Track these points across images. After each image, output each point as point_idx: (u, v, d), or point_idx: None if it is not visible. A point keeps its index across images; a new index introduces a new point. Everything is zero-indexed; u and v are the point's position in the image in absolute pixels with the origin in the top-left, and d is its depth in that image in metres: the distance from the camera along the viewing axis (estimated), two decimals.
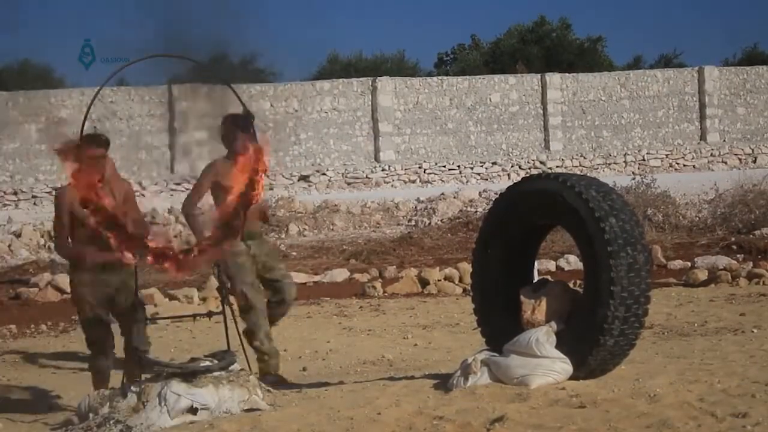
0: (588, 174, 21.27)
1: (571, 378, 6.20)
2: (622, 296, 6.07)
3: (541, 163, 30.93)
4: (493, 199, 7.64)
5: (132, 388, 6.28)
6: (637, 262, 6.10)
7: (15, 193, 26.60)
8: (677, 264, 13.46)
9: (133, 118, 27.55)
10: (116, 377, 6.90)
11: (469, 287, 8.73)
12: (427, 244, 16.06)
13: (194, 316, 8.11)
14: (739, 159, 33.10)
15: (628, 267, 6.08)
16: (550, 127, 31.38)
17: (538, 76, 32.11)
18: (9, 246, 18.52)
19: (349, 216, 20.73)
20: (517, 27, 44.66)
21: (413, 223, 20.13)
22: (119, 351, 7.11)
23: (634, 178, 18.65)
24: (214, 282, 11.49)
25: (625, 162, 31.88)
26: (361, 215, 20.94)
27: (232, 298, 7.54)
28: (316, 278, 13.75)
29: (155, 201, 24.70)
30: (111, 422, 6.10)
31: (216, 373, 6.32)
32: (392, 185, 29.08)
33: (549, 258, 13.92)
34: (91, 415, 6.32)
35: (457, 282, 12.64)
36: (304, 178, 28.42)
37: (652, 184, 17.78)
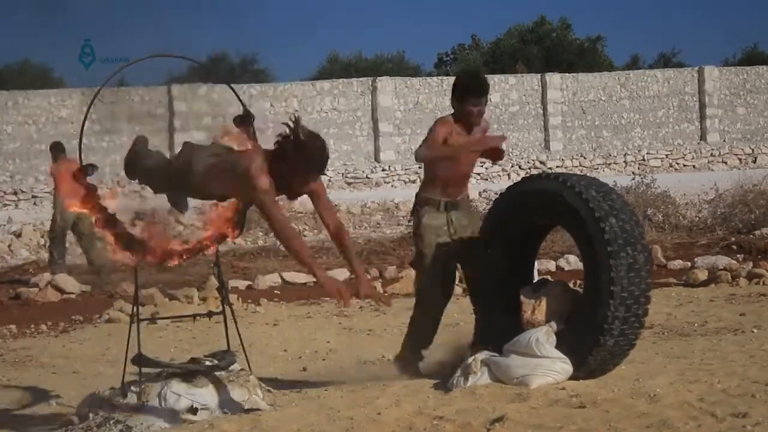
0: (588, 174, 21.27)
1: (571, 378, 6.21)
2: (622, 296, 6.07)
3: (541, 163, 30.92)
4: (493, 199, 7.64)
5: (132, 388, 6.28)
6: (637, 262, 6.10)
7: (15, 193, 26.59)
8: (677, 264, 13.46)
9: (133, 118, 27.54)
10: (116, 377, 6.89)
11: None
12: None
13: (194, 316, 8.11)
14: (739, 159, 33.10)
15: (628, 267, 6.08)
16: (550, 127, 31.37)
17: (538, 76, 32.11)
18: (9, 246, 18.53)
19: (349, 216, 20.73)
20: (517, 27, 44.68)
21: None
22: (120, 353, 7.10)
23: (634, 178, 18.66)
24: (213, 282, 11.49)
25: (625, 162, 31.88)
26: (361, 215, 20.94)
27: (232, 298, 7.53)
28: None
29: (155, 201, 24.71)
30: (111, 422, 6.10)
31: (216, 373, 6.32)
32: (392, 185, 29.08)
33: (549, 258, 13.92)
34: (91, 415, 6.32)
35: (457, 282, 12.63)
36: None
37: (652, 184, 17.78)
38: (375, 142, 29.68)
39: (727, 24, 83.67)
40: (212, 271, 8.74)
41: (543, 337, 6.27)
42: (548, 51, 42.79)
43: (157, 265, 6.66)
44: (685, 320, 9.61)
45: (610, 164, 31.70)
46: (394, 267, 14.11)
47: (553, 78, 31.78)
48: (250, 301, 11.82)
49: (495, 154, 7.15)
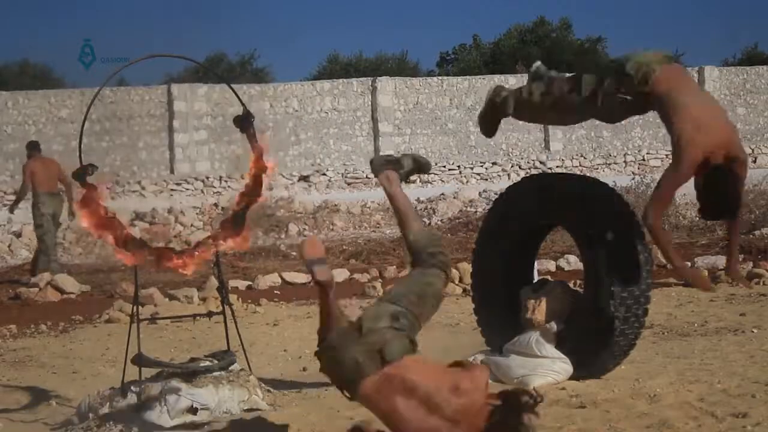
0: (588, 174, 21.27)
1: (571, 378, 6.21)
2: (622, 296, 6.07)
3: (541, 163, 30.92)
4: (493, 199, 7.64)
5: (132, 388, 6.28)
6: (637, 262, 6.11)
7: (15, 193, 26.58)
8: None
9: (133, 118, 27.55)
10: (116, 377, 6.90)
11: (469, 287, 8.73)
12: None
13: (194, 316, 8.10)
14: None
15: (629, 267, 6.09)
16: (550, 127, 31.37)
17: None
18: (9, 246, 18.54)
19: (349, 216, 20.73)
20: (517, 27, 44.68)
21: None
22: (120, 353, 7.11)
23: (633, 178, 18.67)
24: (214, 282, 11.49)
25: (625, 162, 31.88)
26: (361, 215, 20.94)
27: (232, 298, 7.53)
28: None
29: (155, 201, 24.71)
30: (111, 422, 6.10)
31: (216, 373, 6.32)
32: None
33: (549, 258, 13.92)
34: (91, 415, 6.32)
35: (457, 282, 12.63)
36: (304, 178, 28.42)
37: (652, 184, 17.76)
38: (375, 142, 29.68)
39: (727, 24, 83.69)
40: (212, 271, 8.74)
41: (543, 337, 6.28)
42: (548, 51, 42.79)
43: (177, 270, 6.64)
44: (685, 320, 9.61)
45: (610, 164, 31.70)
46: (394, 267, 14.11)
47: None
48: (250, 301, 11.82)
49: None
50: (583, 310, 6.26)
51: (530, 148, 31.27)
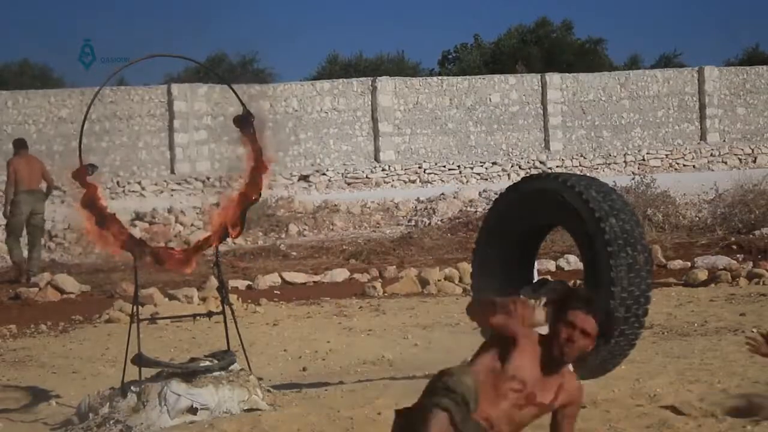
0: (588, 174, 21.26)
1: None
2: (622, 296, 6.07)
3: (541, 163, 30.91)
4: (493, 199, 7.64)
5: (132, 388, 6.28)
6: (637, 262, 6.10)
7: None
8: (677, 264, 13.45)
9: (133, 118, 27.54)
10: (116, 377, 6.90)
11: (469, 287, 8.73)
12: (427, 244, 16.07)
13: (194, 316, 8.11)
14: (739, 159, 33.09)
15: (628, 267, 6.08)
16: (550, 127, 31.36)
17: (538, 76, 32.10)
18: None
19: (349, 216, 20.72)
20: (517, 28, 44.68)
21: (413, 223, 20.12)
22: (120, 353, 7.10)
23: (633, 178, 18.65)
24: (214, 282, 11.49)
25: (625, 162, 31.87)
26: (361, 215, 20.93)
27: (232, 298, 7.52)
28: (316, 278, 13.74)
29: (155, 201, 24.70)
30: (111, 422, 6.10)
31: (216, 373, 6.32)
32: (392, 185, 29.07)
33: (549, 258, 13.92)
34: (91, 415, 6.32)
35: (457, 282, 12.64)
36: (303, 178, 28.41)
37: (651, 184, 17.77)
38: (375, 142, 29.67)
39: (727, 24, 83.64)
40: (212, 271, 8.74)
41: None
42: (548, 51, 42.78)
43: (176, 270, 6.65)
44: (685, 320, 9.61)
45: (610, 164, 31.69)
46: (394, 267, 14.11)
47: (553, 78, 31.78)
48: (250, 301, 11.82)
49: None
50: None
51: (530, 148, 31.26)
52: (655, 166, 31.64)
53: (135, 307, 6.69)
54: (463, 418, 4.04)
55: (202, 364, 6.38)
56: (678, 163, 32.53)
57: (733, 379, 6.36)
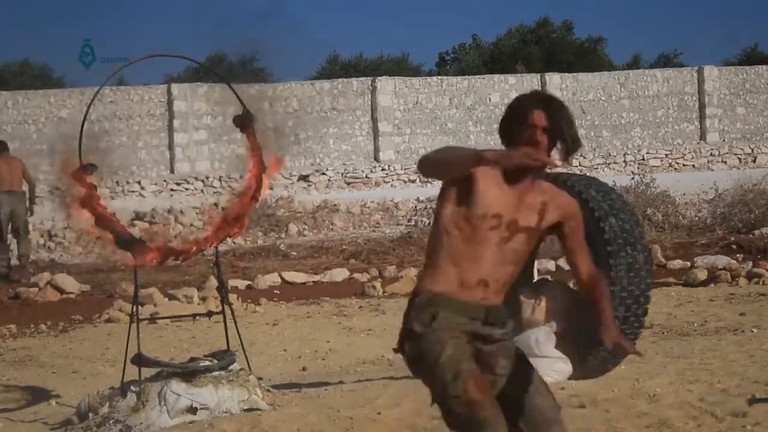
0: (588, 174, 21.25)
1: (571, 378, 6.21)
2: (621, 296, 6.08)
3: None
4: None
5: (132, 387, 6.29)
6: (636, 262, 6.11)
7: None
8: (677, 264, 13.45)
9: (132, 118, 27.54)
10: (116, 377, 6.90)
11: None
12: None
13: (194, 316, 8.11)
14: (739, 159, 33.09)
15: (628, 267, 6.09)
16: None
17: (538, 76, 32.11)
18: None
19: (349, 216, 20.72)
20: (517, 28, 44.70)
21: (413, 223, 20.13)
22: (120, 353, 7.10)
23: (633, 178, 18.65)
24: (213, 282, 11.49)
25: (624, 162, 31.87)
26: (360, 215, 20.93)
27: (232, 298, 7.52)
28: (316, 278, 13.74)
29: (155, 201, 24.70)
30: (111, 422, 6.10)
31: (216, 373, 6.32)
32: (392, 185, 29.07)
33: (549, 258, 13.92)
34: (91, 415, 6.32)
35: None
36: (303, 178, 28.41)
37: (651, 184, 17.76)
38: (375, 141, 29.67)
39: (727, 24, 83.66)
40: (212, 271, 8.74)
41: (543, 337, 6.28)
42: (548, 51, 42.79)
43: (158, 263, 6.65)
44: (685, 320, 9.61)
45: (609, 164, 31.69)
46: (394, 267, 14.11)
47: (553, 78, 31.78)
48: (250, 301, 11.82)
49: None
50: (583, 310, 6.25)
51: None
52: (654, 166, 31.64)
53: (135, 307, 6.69)
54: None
55: (201, 364, 6.38)
56: (678, 163, 32.53)
57: (733, 379, 6.36)
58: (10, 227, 14.74)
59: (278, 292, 12.82)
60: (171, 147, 27.66)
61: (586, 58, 42.95)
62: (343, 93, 29.54)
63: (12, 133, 26.25)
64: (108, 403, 6.29)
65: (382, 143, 29.62)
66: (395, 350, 3.84)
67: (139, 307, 6.94)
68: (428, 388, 3.74)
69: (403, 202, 21.98)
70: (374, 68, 40.30)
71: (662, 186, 17.92)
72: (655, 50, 64.81)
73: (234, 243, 16.12)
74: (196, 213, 20.58)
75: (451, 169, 3.78)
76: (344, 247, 16.48)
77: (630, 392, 5.97)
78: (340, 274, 13.88)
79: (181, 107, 27.77)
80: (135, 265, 6.69)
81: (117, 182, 26.56)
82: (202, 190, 27.07)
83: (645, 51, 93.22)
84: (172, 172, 27.62)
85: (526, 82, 31.55)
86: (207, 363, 6.40)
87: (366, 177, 29.09)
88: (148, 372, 6.48)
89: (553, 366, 6.18)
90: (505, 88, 31.20)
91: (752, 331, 8.67)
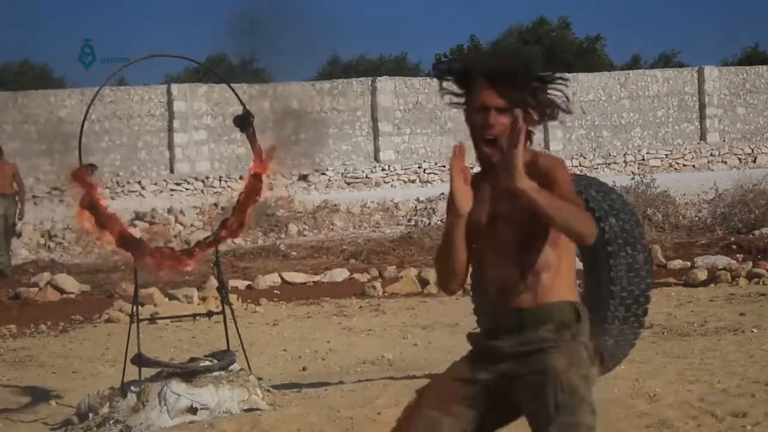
0: (588, 174, 21.25)
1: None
2: (621, 296, 6.08)
3: None
4: None
5: (132, 388, 6.28)
6: (636, 262, 6.11)
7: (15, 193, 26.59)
8: (677, 264, 13.44)
9: (133, 118, 27.55)
10: (116, 377, 6.90)
11: (469, 287, 8.72)
12: (427, 244, 16.05)
13: (194, 316, 8.11)
14: (739, 159, 33.10)
15: (628, 267, 6.09)
16: (550, 127, 31.36)
17: None
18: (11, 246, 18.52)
19: (349, 216, 20.73)
20: (517, 28, 44.76)
21: (413, 223, 20.13)
22: (120, 353, 7.10)
23: (633, 178, 18.65)
24: (214, 282, 11.48)
25: (624, 162, 31.88)
26: (360, 215, 20.94)
27: (232, 298, 7.52)
28: (316, 278, 13.74)
29: (155, 201, 24.70)
30: (111, 422, 6.10)
31: (216, 373, 6.32)
32: (392, 185, 29.08)
33: None
34: (91, 415, 6.32)
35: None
36: (303, 178, 28.42)
37: (651, 184, 17.76)
38: (375, 141, 29.68)
39: (727, 24, 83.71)
40: (212, 271, 8.74)
41: None
42: (548, 51, 42.81)
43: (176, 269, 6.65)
44: (685, 320, 9.61)
45: (609, 164, 31.70)
46: (394, 267, 14.10)
47: None
48: (250, 301, 11.82)
49: None
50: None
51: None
52: (654, 166, 31.65)
53: (135, 307, 6.69)
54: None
55: (202, 364, 6.38)
56: (678, 163, 32.54)
57: (733, 379, 6.36)
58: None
59: (278, 292, 12.82)
60: (171, 147, 27.67)
61: (585, 57, 42.98)
62: (344, 93, 29.55)
63: (12, 133, 26.27)
64: (108, 403, 6.29)
65: (382, 143, 29.62)
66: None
67: (139, 307, 6.94)
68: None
69: (403, 202, 21.98)
70: (374, 69, 40.33)
71: (662, 186, 17.91)
72: (655, 50, 64.85)
73: (234, 243, 16.11)
74: (196, 213, 20.59)
75: (450, 252, 3.39)
76: (344, 247, 16.48)
77: (630, 392, 5.97)
78: (340, 274, 13.87)
79: (181, 107, 27.78)
80: (136, 266, 6.70)
81: (117, 182, 26.56)
82: (202, 190, 27.07)
83: (645, 51, 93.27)
84: (172, 172, 27.62)
85: None
86: (207, 363, 6.40)
87: (366, 177, 29.10)
88: (148, 372, 6.48)
89: None
90: None
91: (752, 331, 8.67)
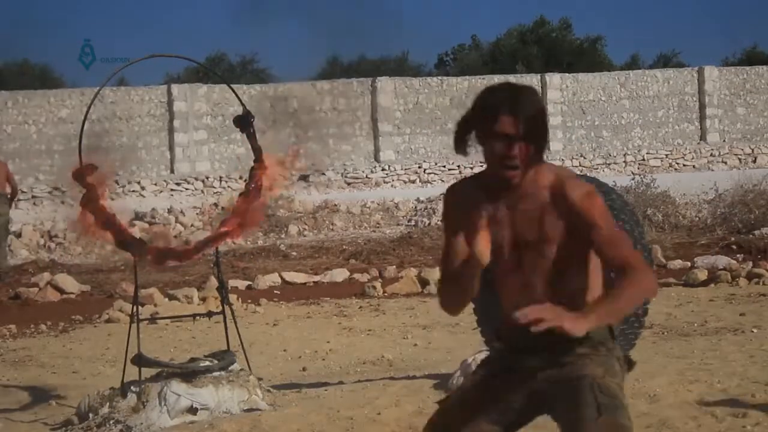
0: (588, 174, 21.25)
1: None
2: None
3: None
4: None
5: (132, 388, 6.29)
6: None
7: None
8: (677, 264, 13.45)
9: (133, 118, 27.55)
10: (116, 377, 6.90)
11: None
12: (427, 244, 16.05)
13: (194, 316, 8.11)
14: (739, 159, 33.10)
15: None
16: (550, 127, 31.16)
17: (538, 76, 32.12)
18: (9, 246, 18.52)
19: (349, 216, 20.73)
20: (517, 28, 44.74)
21: (413, 223, 20.13)
22: (120, 353, 7.10)
23: (633, 178, 18.65)
24: (214, 282, 11.49)
25: (625, 162, 31.87)
26: (360, 215, 20.94)
27: (232, 298, 7.52)
28: (316, 278, 13.74)
29: (155, 201, 24.71)
30: (111, 422, 6.11)
31: (216, 373, 6.32)
32: (392, 185, 29.08)
33: None
34: (91, 415, 6.32)
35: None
36: (303, 178, 28.42)
37: (651, 184, 17.76)
38: (375, 142, 29.67)
39: (727, 24, 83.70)
40: (212, 271, 8.75)
41: None
42: (548, 51, 42.81)
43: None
44: (685, 320, 9.61)
45: (609, 164, 31.69)
46: (394, 267, 14.10)
47: (553, 78, 31.79)
48: (250, 301, 11.82)
49: None
50: None
51: None
52: (655, 166, 31.64)
53: (135, 307, 6.70)
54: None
55: (202, 364, 6.38)
56: (678, 163, 32.54)
57: (733, 379, 6.36)
58: None
59: (278, 292, 12.82)
60: (171, 147, 27.67)
61: (585, 57, 42.98)
62: (344, 93, 29.55)
63: (12, 133, 26.28)
64: (108, 404, 6.29)
65: (382, 143, 29.63)
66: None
67: (139, 307, 6.94)
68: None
69: (403, 202, 21.98)
70: (374, 69, 40.33)
71: (662, 186, 17.92)
72: (655, 50, 64.83)
73: (234, 243, 16.11)
74: (196, 213, 20.59)
75: (463, 297, 3.41)
76: (344, 247, 16.48)
77: (630, 392, 5.96)
78: (340, 274, 13.87)
79: (181, 107, 27.78)
80: (136, 264, 6.70)
81: (117, 182, 26.55)
82: (202, 190, 27.07)
83: (644, 51, 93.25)
84: (172, 172, 27.62)
85: (526, 83, 31.55)
86: (207, 363, 6.40)
87: (366, 177, 29.10)
88: (148, 372, 6.48)
89: None
90: None
91: (752, 332, 8.67)
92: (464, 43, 46.93)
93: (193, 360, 6.58)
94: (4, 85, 31.79)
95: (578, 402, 3.20)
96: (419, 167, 29.74)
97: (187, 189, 27.18)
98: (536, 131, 3.27)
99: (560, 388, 3.25)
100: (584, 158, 31.57)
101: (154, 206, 22.00)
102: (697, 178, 23.31)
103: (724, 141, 33.34)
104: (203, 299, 11.68)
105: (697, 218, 17.12)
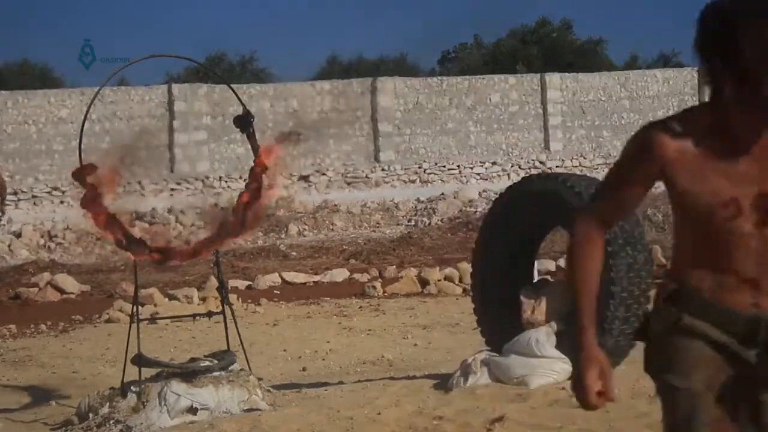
0: (588, 174, 21.25)
1: (571, 378, 6.20)
2: (622, 296, 6.08)
3: (540, 163, 30.91)
4: (493, 199, 7.64)
5: (132, 388, 6.29)
6: (637, 262, 6.11)
7: (15, 193, 26.58)
8: None
9: (133, 118, 27.54)
10: (116, 377, 6.90)
11: (469, 287, 8.74)
12: (427, 244, 16.06)
13: (194, 316, 8.11)
14: None
15: (628, 267, 6.09)
16: (550, 127, 31.36)
17: (538, 76, 32.11)
18: (9, 246, 18.53)
19: (349, 216, 20.73)
20: (519, 28, 44.76)
21: (413, 223, 20.13)
22: (120, 353, 7.10)
23: None
24: (214, 282, 11.49)
25: None
26: (360, 215, 20.94)
27: (232, 298, 7.52)
28: (316, 278, 13.74)
29: (155, 201, 24.71)
30: (111, 422, 6.10)
31: (216, 373, 6.32)
32: (392, 185, 29.07)
33: (549, 258, 13.91)
34: (91, 415, 6.32)
35: (457, 282, 12.63)
36: (303, 178, 28.41)
37: None
38: (375, 142, 29.66)
39: None
40: (212, 271, 8.75)
41: (543, 337, 6.28)
42: (548, 51, 42.81)
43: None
44: None
45: (609, 164, 31.68)
46: (394, 267, 14.11)
47: (553, 78, 31.78)
48: (250, 301, 11.82)
49: None
50: None
51: (530, 148, 31.27)
52: None
53: (135, 307, 6.70)
54: None
55: (202, 364, 6.38)
56: None
57: None
58: None
59: (278, 292, 12.82)
60: (171, 147, 27.67)
61: (586, 58, 42.98)
62: (344, 93, 29.54)
63: (12, 133, 26.28)
64: (108, 404, 6.29)
65: (382, 143, 29.62)
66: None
67: (139, 307, 6.94)
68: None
69: (403, 202, 21.97)
70: (374, 69, 40.33)
71: (662, 186, 17.91)
72: (655, 50, 64.85)
73: (234, 243, 16.12)
74: (196, 213, 20.60)
75: None
76: (344, 247, 16.49)
77: (630, 392, 5.97)
78: (340, 274, 13.88)
79: (181, 107, 27.77)
80: (136, 263, 6.70)
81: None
82: (202, 190, 27.06)
83: (644, 51, 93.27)
84: (172, 172, 27.62)
85: (526, 83, 31.56)
86: (207, 363, 6.40)
87: (366, 177, 29.09)
88: (148, 372, 6.48)
89: (553, 366, 6.18)
90: (505, 88, 31.20)
91: None
92: (466, 42, 46.90)
93: (193, 360, 6.58)
94: (4, 85, 31.79)
95: None
96: (419, 167, 29.73)
97: (187, 189, 27.18)
98: None
99: None
100: (584, 158, 31.57)
101: (154, 206, 22.00)
102: None
103: None
104: (203, 299, 11.68)
105: None
